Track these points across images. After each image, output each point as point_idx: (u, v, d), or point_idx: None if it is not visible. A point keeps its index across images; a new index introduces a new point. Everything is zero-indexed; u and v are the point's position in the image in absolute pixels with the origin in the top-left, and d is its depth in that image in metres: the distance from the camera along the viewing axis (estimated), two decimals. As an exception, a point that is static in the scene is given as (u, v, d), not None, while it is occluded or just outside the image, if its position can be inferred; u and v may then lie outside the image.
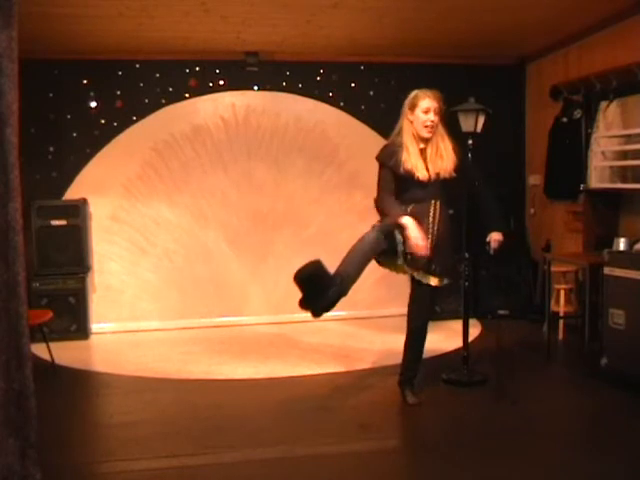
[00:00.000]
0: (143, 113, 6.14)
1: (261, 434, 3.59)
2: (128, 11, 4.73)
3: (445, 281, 3.94)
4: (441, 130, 3.87)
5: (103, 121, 6.08)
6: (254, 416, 3.89)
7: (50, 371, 4.77)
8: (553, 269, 5.24)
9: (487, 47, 6.11)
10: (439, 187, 3.86)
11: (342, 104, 6.47)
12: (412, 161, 3.75)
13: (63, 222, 5.82)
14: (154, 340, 5.85)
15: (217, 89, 6.26)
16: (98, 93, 6.07)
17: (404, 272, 3.93)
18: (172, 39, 5.60)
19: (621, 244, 4.43)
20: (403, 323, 4.05)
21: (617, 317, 4.20)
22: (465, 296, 4.54)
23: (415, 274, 3.88)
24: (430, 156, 3.83)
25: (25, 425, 2.67)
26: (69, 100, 6.01)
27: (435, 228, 3.86)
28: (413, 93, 3.86)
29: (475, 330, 5.54)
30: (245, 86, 6.32)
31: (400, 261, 3.81)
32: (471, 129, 4.38)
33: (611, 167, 5.29)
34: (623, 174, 5.24)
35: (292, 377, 4.67)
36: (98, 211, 6.10)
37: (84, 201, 5.95)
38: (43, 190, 5.89)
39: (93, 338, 5.92)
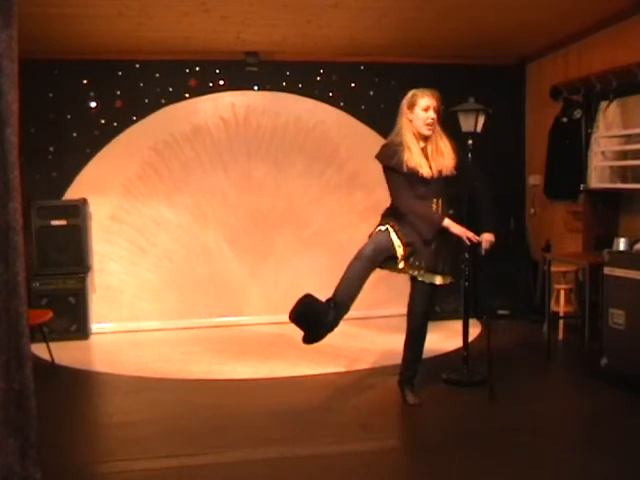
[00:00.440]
0: (143, 113, 6.14)
1: (261, 434, 3.59)
2: (128, 11, 4.73)
3: (449, 279, 3.95)
4: (439, 129, 3.88)
5: (103, 121, 6.08)
6: (254, 416, 3.88)
7: (50, 371, 4.76)
8: (553, 269, 5.23)
9: (487, 47, 6.11)
10: (441, 185, 3.87)
11: (342, 104, 6.46)
12: (415, 159, 3.75)
13: (63, 222, 5.82)
14: (154, 340, 5.85)
15: (217, 89, 6.26)
16: (98, 93, 6.07)
17: (405, 272, 3.94)
18: (172, 39, 5.60)
19: (621, 244, 4.42)
20: (403, 323, 4.06)
21: (617, 317, 4.20)
22: (465, 296, 4.54)
23: (418, 275, 3.88)
24: (431, 154, 3.83)
25: (25, 425, 2.67)
26: (69, 100, 6.01)
27: None
28: (411, 92, 3.88)
29: (475, 330, 5.53)
30: (245, 86, 6.32)
31: (401, 265, 3.83)
32: (471, 129, 4.39)
33: (611, 167, 5.29)
34: (623, 174, 5.24)
35: (292, 377, 4.67)
36: (98, 211, 6.10)
37: (84, 201, 5.95)
38: (43, 190, 5.89)
39: (93, 338, 5.92)
